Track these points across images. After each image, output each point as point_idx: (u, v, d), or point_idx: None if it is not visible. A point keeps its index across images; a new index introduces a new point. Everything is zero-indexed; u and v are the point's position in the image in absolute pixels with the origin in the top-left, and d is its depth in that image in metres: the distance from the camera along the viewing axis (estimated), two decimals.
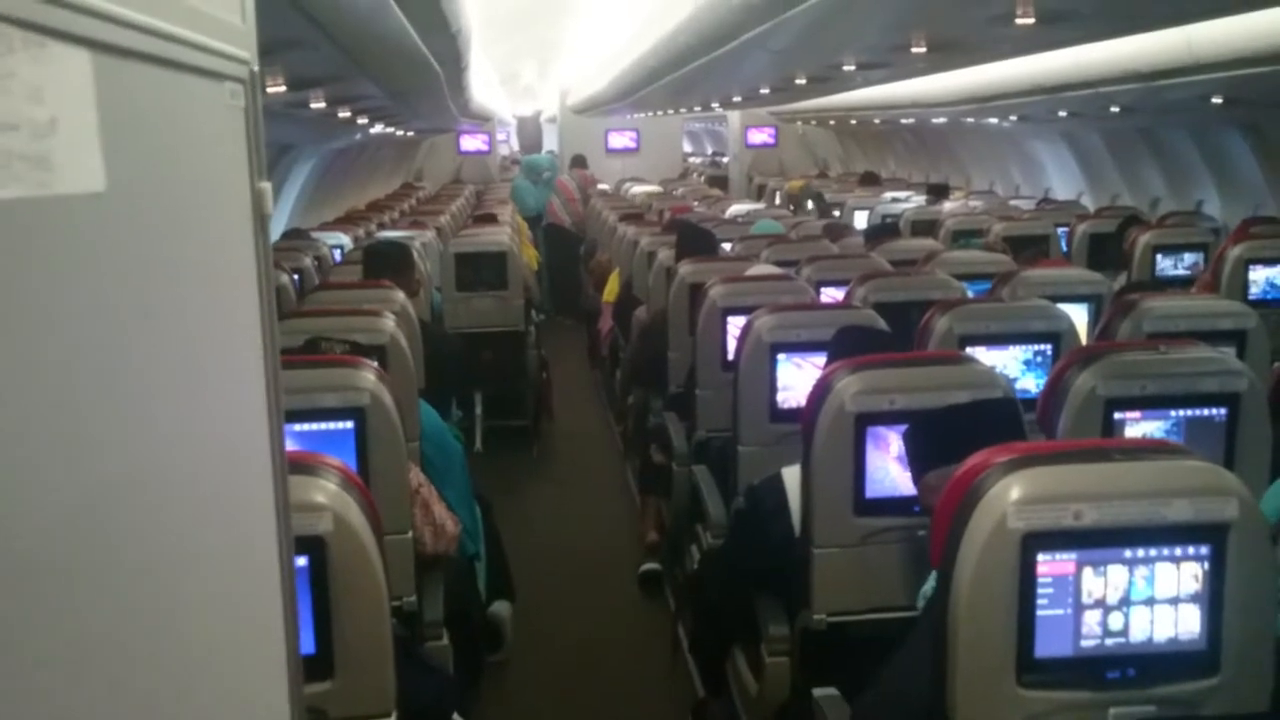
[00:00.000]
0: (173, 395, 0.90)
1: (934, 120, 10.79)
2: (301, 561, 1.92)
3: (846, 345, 3.06)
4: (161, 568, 0.89)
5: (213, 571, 0.99)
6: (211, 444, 0.98)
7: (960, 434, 2.34)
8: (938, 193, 10.11)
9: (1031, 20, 3.95)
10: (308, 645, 1.94)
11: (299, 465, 2.01)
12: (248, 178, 1.03)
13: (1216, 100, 5.97)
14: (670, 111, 15.25)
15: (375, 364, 2.95)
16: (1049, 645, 1.78)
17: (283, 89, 4.03)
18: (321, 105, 4.98)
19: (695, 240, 5.68)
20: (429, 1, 3.53)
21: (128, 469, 0.82)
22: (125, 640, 0.81)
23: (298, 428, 2.75)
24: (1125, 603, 1.78)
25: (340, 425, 2.77)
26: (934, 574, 2.17)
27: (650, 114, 15.73)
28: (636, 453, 5.86)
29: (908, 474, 2.73)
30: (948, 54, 5.43)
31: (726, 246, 6.19)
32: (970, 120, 10.11)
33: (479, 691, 3.88)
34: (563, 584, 5.15)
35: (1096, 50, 5.66)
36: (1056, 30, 4.41)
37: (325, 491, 1.96)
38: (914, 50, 5.04)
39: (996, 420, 2.41)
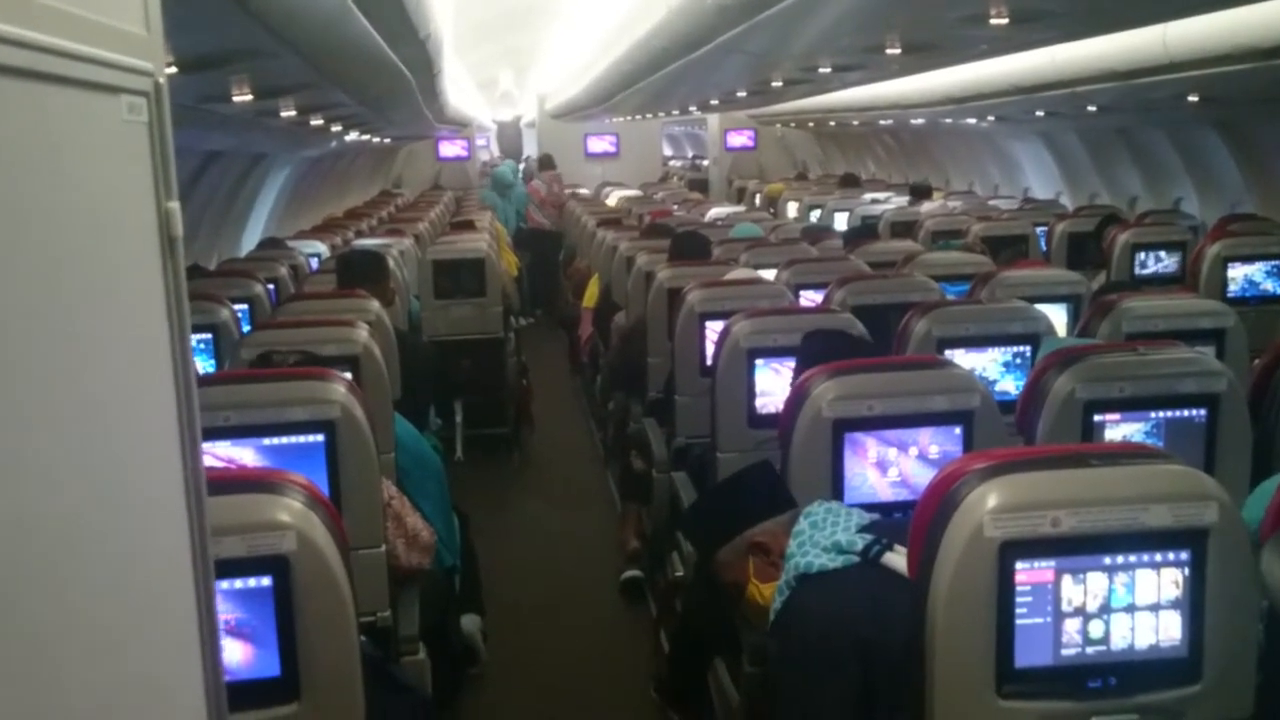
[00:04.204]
0: (74, 427, 0.86)
1: (912, 121, 10.79)
2: (265, 581, 1.88)
3: (815, 350, 3.04)
4: (64, 598, 0.85)
5: (116, 600, 0.94)
6: (117, 476, 0.93)
7: (730, 505, 2.50)
8: (919, 193, 10.10)
9: (1005, 20, 3.94)
10: (273, 667, 1.90)
11: (262, 484, 1.97)
12: (153, 197, 0.98)
13: (1193, 98, 5.97)
14: (649, 115, 15.23)
15: (346, 375, 2.90)
16: (1029, 655, 1.76)
17: (249, 98, 3.98)
18: (292, 114, 4.93)
19: (689, 246, 5.65)
20: (395, 8, 3.48)
21: (28, 502, 0.78)
22: (28, 674, 0.77)
23: (266, 442, 2.71)
24: (1105, 610, 1.76)
25: (310, 439, 2.72)
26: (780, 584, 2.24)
27: (629, 118, 15.71)
28: (617, 459, 5.82)
29: (886, 480, 2.72)
30: (923, 55, 5.42)
31: None
32: (948, 121, 10.11)
33: (459, 704, 3.84)
34: (544, 592, 5.11)
35: (1072, 50, 5.65)
36: (1030, 30, 4.40)
37: (289, 510, 1.91)
38: (889, 52, 5.02)
39: (759, 485, 2.52)
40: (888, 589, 1.99)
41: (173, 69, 3.05)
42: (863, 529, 2.22)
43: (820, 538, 2.23)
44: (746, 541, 2.42)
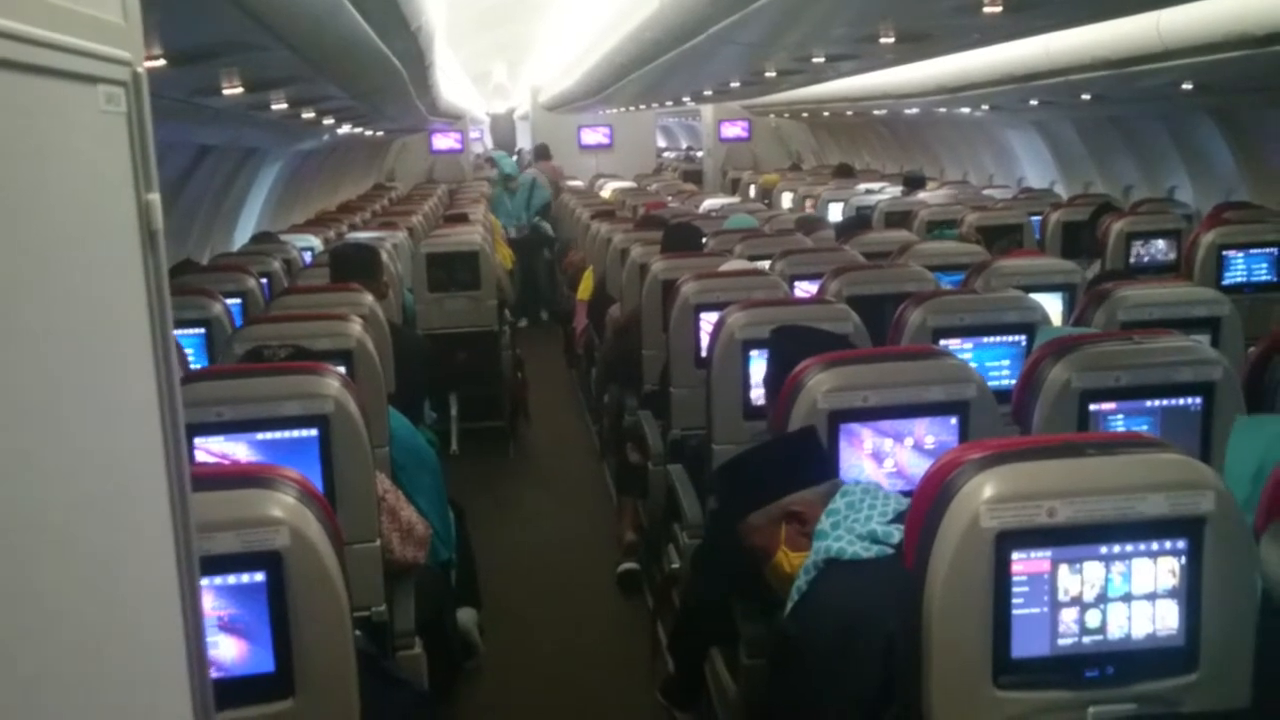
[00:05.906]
0: (54, 423, 0.85)
1: (906, 111, 10.78)
2: (259, 577, 1.87)
3: (784, 349, 3.02)
4: (45, 595, 0.84)
5: (99, 596, 0.93)
6: (99, 473, 0.92)
7: (770, 470, 2.42)
8: (913, 183, 10.08)
9: (999, 9, 3.93)
10: (267, 663, 1.89)
11: (255, 479, 1.96)
12: (132, 189, 0.96)
13: (1187, 86, 5.97)
14: (643, 107, 15.20)
15: (340, 370, 2.89)
16: (1026, 645, 1.75)
17: (240, 91, 3.96)
18: (283, 107, 4.91)
19: (681, 237, 5.63)
20: (387, 0, 3.47)
21: (6, 497, 0.77)
22: (7, 671, 0.76)
23: (260, 437, 2.70)
24: (1102, 600, 1.75)
25: (304, 433, 2.71)
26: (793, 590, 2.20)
27: (623, 110, 15.68)
28: (613, 452, 5.81)
29: (882, 471, 2.71)
30: (916, 44, 5.41)
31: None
32: (942, 110, 10.11)
33: (456, 698, 3.83)
34: (541, 585, 5.11)
35: (1066, 38, 5.65)
36: (1024, 18, 4.39)
37: (282, 505, 1.90)
38: (883, 41, 5.01)
39: (801, 452, 2.46)
40: None
41: (161, 62, 3.03)
42: (899, 516, 2.20)
43: (855, 523, 2.20)
44: (782, 509, 2.36)
